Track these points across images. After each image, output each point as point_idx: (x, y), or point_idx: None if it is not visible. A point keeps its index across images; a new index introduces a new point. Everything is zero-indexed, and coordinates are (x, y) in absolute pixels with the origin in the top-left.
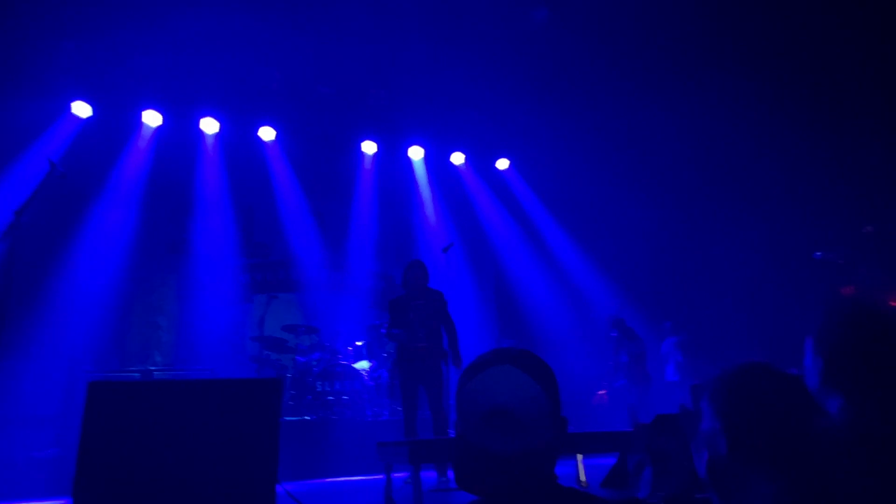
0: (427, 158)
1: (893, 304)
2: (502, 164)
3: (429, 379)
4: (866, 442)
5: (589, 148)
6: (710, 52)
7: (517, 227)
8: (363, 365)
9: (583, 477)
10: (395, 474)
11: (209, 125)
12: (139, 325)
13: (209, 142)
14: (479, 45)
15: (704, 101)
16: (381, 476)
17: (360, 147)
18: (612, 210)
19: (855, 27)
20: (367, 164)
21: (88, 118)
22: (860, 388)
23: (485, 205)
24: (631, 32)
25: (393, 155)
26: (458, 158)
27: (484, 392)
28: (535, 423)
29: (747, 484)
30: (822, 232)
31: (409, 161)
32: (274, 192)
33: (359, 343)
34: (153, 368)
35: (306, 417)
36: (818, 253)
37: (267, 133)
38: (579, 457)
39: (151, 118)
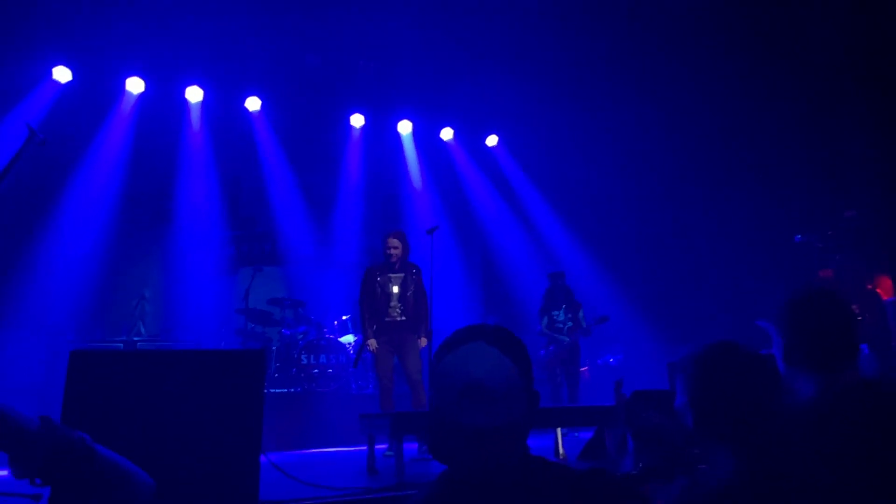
0: (416, 133)
1: (870, 287)
2: (492, 140)
3: (406, 353)
4: (828, 420)
5: (578, 126)
6: (695, 37)
7: (505, 203)
8: (349, 339)
9: (561, 450)
10: (378, 446)
11: (194, 93)
12: (123, 296)
13: (194, 111)
14: (470, 19)
15: (690, 84)
16: (363, 448)
17: (348, 120)
18: (598, 189)
19: (835, 11)
20: (355, 138)
21: (69, 83)
22: (820, 369)
23: (473, 181)
24: (622, 12)
25: (381, 129)
26: (447, 134)
27: (458, 368)
28: (508, 399)
29: (711, 457)
30: (804, 216)
31: (397, 135)
32: (260, 164)
33: (345, 317)
34: (137, 339)
35: (291, 390)
36: (799, 236)
37: (253, 103)
38: (558, 431)
39: (134, 85)
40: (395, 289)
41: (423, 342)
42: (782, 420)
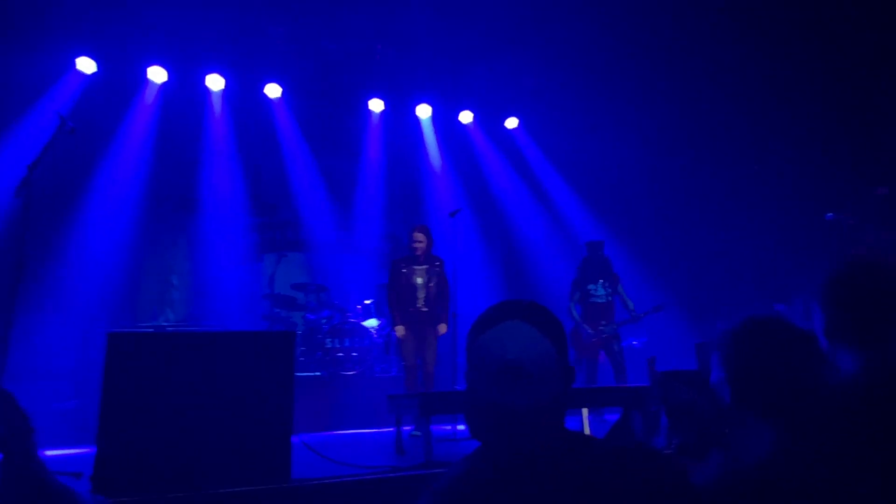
0: (435, 117)
1: None
2: (511, 123)
3: (426, 343)
4: (870, 398)
5: (599, 106)
6: (723, 12)
7: (526, 186)
8: (372, 323)
9: (587, 431)
10: (404, 427)
11: (215, 82)
12: (152, 283)
13: (215, 99)
14: (488, 1)
15: (716, 61)
16: (390, 429)
17: (367, 105)
18: (620, 170)
19: None
20: (375, 123)
21: (94, 74)
22: (864, 346)
23: (493, 164)
24: None
25: (400, 113)
26: (466, 117)
27: (495, 347)
28: (545, 377)
29: (749, 432)
30: (835, 193)
31: (416, 119)
32: (281, 151)
33: (367, 302)
34: (166, 324)
35: (317, 373)
36: (830, 214)
37: (273, 90)
38: (584, 411)
39: (157, 74)
40: (420, 280)
41: (443, 328)
42: (823, 397)
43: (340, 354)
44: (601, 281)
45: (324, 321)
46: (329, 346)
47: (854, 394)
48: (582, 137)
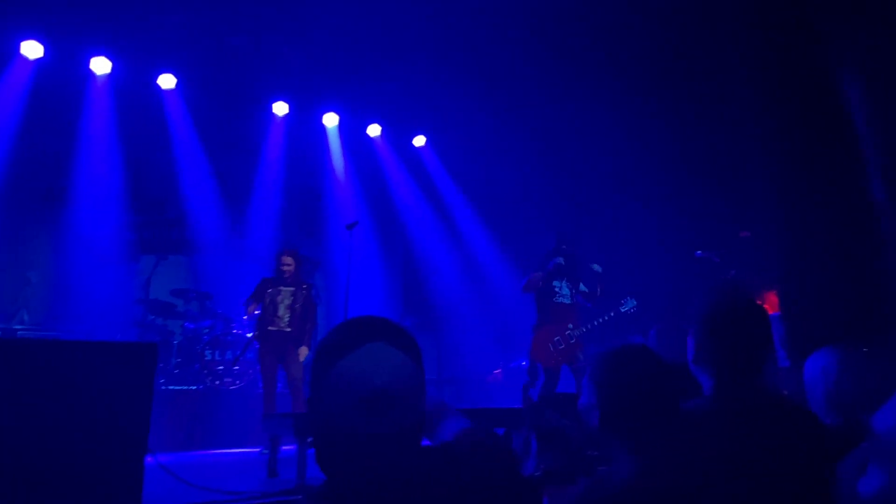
0: (342, 126)
1: (759, 302)
2: (419, 140)
3: (290, 361)
4: (722, 420)
5: (505, 133)
6: (606, 55)
7: (429, 205)
8: None
9: None
10: (284, 447)
11: (100, 64)
12: (5, 280)
13: (99, 83)
14: (405, 17)
15: (608, 103)
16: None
17: (270, 107)
18: (521, 196)
19: (735, 30)
20: (277, 126)
21: None
22: (720, 374)
23: (398, 180)
24: (551, 20)
25: (306, 119)
26: (374, 130)
27: (360, 374)
28: (414, 400)
29: (613, 458)
30: (704, 234)
31: (322, 127)
32: (171, 146)
33: (256, 312)
34: (18, 328)
35: (193, 387)
36: (699, 252)
37: (167, 80)
38: None
39: (31, 49)
40: (285, 301)
41: (304, 351)
42: (684, 423)
43: (220, 367)
44: (566, 279)
45: (205, 331)
46: (209, 357)
47: (705, 416)
48: (487, 159)
